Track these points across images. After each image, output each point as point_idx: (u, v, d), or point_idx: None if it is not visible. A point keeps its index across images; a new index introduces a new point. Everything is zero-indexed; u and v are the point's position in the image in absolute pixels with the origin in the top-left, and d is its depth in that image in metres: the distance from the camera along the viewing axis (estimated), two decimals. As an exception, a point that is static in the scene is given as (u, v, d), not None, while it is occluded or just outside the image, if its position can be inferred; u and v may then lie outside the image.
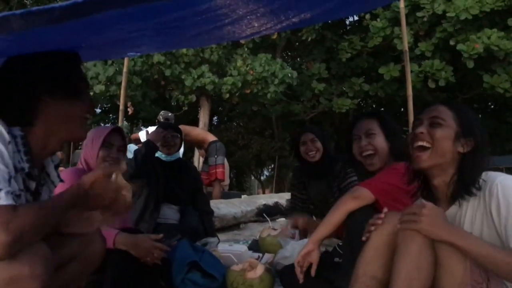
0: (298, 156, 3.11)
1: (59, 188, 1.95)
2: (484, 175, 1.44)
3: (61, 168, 4.08)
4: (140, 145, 6.40)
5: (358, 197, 1.85)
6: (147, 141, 3.07)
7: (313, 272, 1.85)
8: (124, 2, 0.90)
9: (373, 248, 1.47)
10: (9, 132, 1.20)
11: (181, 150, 3.59)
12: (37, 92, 1.28)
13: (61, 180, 1.49)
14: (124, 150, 2.17)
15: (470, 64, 9.57)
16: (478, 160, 1.45)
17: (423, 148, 1.48)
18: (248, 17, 1.17)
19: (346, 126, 12.99)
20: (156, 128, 3.14)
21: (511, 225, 1.31)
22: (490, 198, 1.38)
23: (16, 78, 1.28)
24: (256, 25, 1.28)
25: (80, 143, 8.45)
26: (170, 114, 6.16)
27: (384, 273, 1.42)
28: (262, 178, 19.76)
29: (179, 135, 3.28)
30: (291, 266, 2.07)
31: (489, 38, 9.29)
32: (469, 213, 1.45)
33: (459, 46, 9.61)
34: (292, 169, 16.35)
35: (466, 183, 1.43)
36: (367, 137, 2.03)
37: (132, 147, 5.79)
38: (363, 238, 1.53)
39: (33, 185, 1.31)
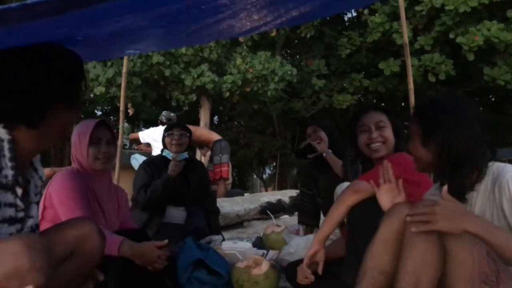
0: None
1: (58, 194, 1.94)
2: (495, 168, 1.42)
3: (56, 169, 4.06)
4: (140, 145, 6.41)
5: (358, 190, 1.84)
6: (167, 178, 3.08)
7: (320, 271, 1.84)
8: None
9: (381, 242, 1.45)
10: None
11: None
12: (53, 97, 1.26)
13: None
14: (114, 142, 2.13)
15: (470, 57, 9.53)
16: (459, 154, 1.44)
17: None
18: (247, 9, 1.16)
19: (347, 121, 12.95)
20: (175, 161, 3.15)
21: None
22: (500, 193, 1.37)
23: (32, 79, 1.25)
24: (255, 18, 1.27)
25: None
26: (172, 114, 6.16)
27: (393, 267, 1.40)
28: (264, 176, 19.75)
29: (188, 134, 3.28)
30: (297, 262, 2.06)
31: (489, 30, 9.24)
32: (478, 207, 1.43)
33: (459, 39, 9.57)
34: (294, 166, 16.35)
35: (462, 175, 1.43)
36: (377, 129, 2.03)
37: (138, 157, 5.79)
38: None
39: (19, 191, 1.27)
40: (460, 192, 1.45)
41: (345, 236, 2.09)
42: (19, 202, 1.27)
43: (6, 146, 1.22)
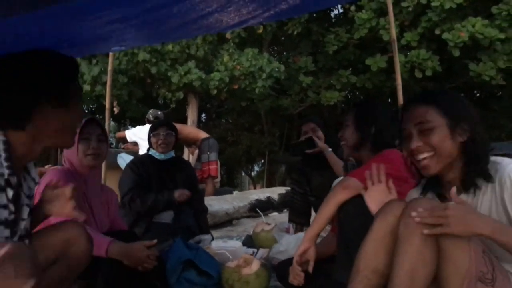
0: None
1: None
2: (494, 163, 1.40)
3: (47, 167, 3.99)
4: (127, 144, 6.32)
5: (347, 187, 1.82)
6: (171, 201, 3.04)
7: (310, 268, 1.82)
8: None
9: (374, 240, 1.41)
10: None
11: None
12: (36, 97, 1.25)
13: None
14: (105, 139, 2.11)
15: (456, 53, 9.61)
16: (479, 142, 1.41)
17: (426, 158, 1.43)
18: (236, 2, 1.12)
19: (335, 118, 12.98)
20: (183, 191, 3.10)
21: None
22: (501, 187, 1.35)
23: (15, 80, 1.25)
24: (244, 12, 1.23)
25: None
26: (159, 112, 6.10)
27: (387, 266, 1.36)
28: (252, 174, 19.74)
29: (174, 133, 3.24)
30: (287, 261, 2.04)
31: (473, 26, 9.33)
32: (485, 204, 1.41)
33: (445, 35, 9.64)
34: (283, 163, 16.37)
35: (477, 170, 1.40)
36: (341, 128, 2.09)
37: (125, 156, 5.72)
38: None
39: (10, 193, 1.25)
40: (474, 187, 1.42)
41: (335, 233, 2.07)
42: (10, 204, 1.26)
43: (1, 147, 1.22)
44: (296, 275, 1.84)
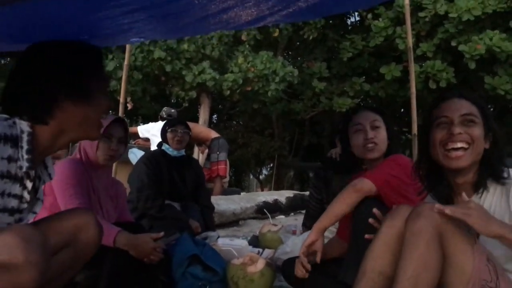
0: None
1: (59, 181, 1.93)
2: (506, 172, 1.42)
3: (60, 152, 4.00)
4: (138, 140, 6.38)
5: (361, 189, 1.80)
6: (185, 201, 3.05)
7: (318, 259, 1.80)
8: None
9: (382, 243, 1.42)
10: (12, 131, 1.18)
11: None
12: (55, 93, 1.26)
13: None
14: (125, 141, 2.13)
15: (472, 65, 9.53)
16: (500, 152, 1.43)
17: (462, 148, 1.42)
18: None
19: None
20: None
21: None
22: (508, 195, 1.35)
23: (36, 74, 1.26)
24: (263, 8, 1.24)
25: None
26: (173, 110, 6.15)
27: (393, 269, 1.37)
28: (261, 177, 19.73)
29: (189, 133, 3.31)
30: (293, 259, 2.04)
31: (491, 39, 9.25)
32: (487, 206, 1.41)
33: (461, 47, 9.57)
34: (292, 168, 16.33)
35: (492, 173, 1.41)
36: (372, 129, 1.96)
37: (136, 151, 5.77)
38: (366, 236, 1.49)
39: (30, 184, 1.27)
40: (483, 188, 1.44)
41: (341, 238, 2.07)
42: (26, 195, 1.27)
43: (25, 138, 1.22)
44: (301, 267, 1.81)
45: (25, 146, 1.22)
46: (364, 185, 1.80)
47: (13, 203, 1.24)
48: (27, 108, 1.24)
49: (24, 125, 1.23)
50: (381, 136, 1.96)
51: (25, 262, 1.00)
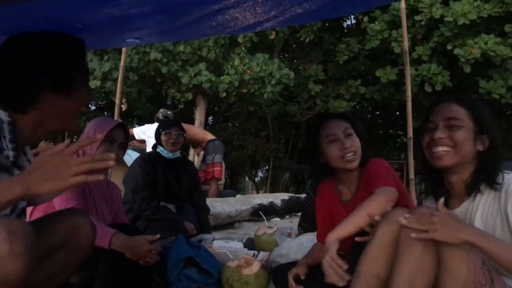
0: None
1: None
2: (500, 176, 1.42)
3: (42, 143, 4.00)
4: (133, 142, 6.35)
5: (394, 199, 1.66)
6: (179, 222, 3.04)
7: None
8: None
9: (377, 246, 1.42)
10: None
11: None
12: (39, 84, 1.25)
13: None
14: (125, 147, 2.13)
15: (467, 69, 9.60)
16: (496, 157, 1.44)
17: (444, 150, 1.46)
18: (251, 0, 1.13)
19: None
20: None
21: None
22: (506, 198, 1.36)
23: (19, 64, 1.25)
24: (259, 11, 1.24)
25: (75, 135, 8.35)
26: (169, 112, 6.13)
27: (388, 272, 1.37)
28: (256, 179, 19.72)
29: (184, 134, 3.29)
30: (284, 266, 2.03)
31: (486, 43, 9.32)
32: (480, 210, 1.42)
33: (456, 51, 9.64)
34: (287, 170, 16.35)
35: (486, 177, 1.42)
36: (346, 138, 1.88)
37: (130, 152, 5.74)
38: (356, 239, 1.49)
39: (18, 172, 1.26)
40: (476, 191, 1.45)
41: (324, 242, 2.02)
42: None
43: (6, 128, 1.22)
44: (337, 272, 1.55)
45: (7, 135, 1.22)
46: (394, 194, 1.67)
47: None
48: (8, 99, 1.23)
49: (2, 115, 1.22)
50: (356, 143, 1.89)
51: (10, 253, 0.99)
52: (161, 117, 5.89)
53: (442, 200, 1.35)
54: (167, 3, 1.12)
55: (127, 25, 1.34)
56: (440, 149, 1.46)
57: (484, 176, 1.44)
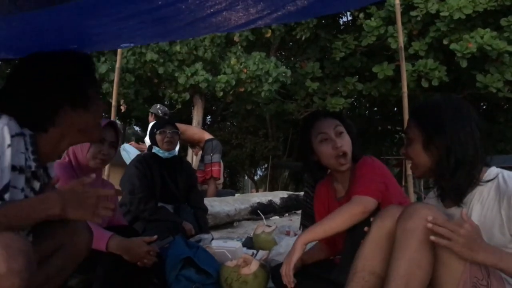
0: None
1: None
2: (500, 176, 1.40)
3: None
4: (132, 143, 6.33)
5: (369, 210, 1.68)
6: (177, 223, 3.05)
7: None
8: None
9: (372, 242, 1.43)
10: (16, 134, 1.19)
11: (177, 147, 3.56)
12: (57, 102, 1.29)
13: None
14: (116, 146, 2.12)
15: (464, 64, 9.61)
16: (455, 157, 1.41)
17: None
18: (244, 0, 1.13)
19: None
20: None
21: None
22: (510, 204, 1.34)
23: (37, 84, 1.28)
24: (252, 11, 1.24)
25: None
26: (166, 108, 6.06)
27: (384, 268, 1.38)
28: (255, 178, 19.73)
29: (178, 132, 3.27)
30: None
31: (482, 37, 9.33)
32: (476, 212, 1.41)
33: (453, 46, 9.65)
34: (286, 168, 16.35)
35: (459, 183, 1.41)
36: (337, 136, 1.87)
37: (127, 147, 5.70)
38: (366, 229, 1.48)
39: (37, 185, 1.29)
40: (458, 196, 1.43)
41: (321, 241, 2.03)
42: (32, 195, 1.28)
43: (28, 140, 1.25)
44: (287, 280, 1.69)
45: (29, 147, 1.25)
46: (370, 204, 1.70)
47: (20, 197, 1.24)
48: (28, 119, 1.26)
49: (25, 129, 1.25)
50: (347, 142, 1.88)
51: (7, 271, 0.99)
52: (160, 114, 5.76)
53: (465, 210, 1.32)
54: (158, 12, 1.12)
55: (121, 33, 1.35)
56: (408, 162, 1.58)
57: (458, 184, 1.41)
